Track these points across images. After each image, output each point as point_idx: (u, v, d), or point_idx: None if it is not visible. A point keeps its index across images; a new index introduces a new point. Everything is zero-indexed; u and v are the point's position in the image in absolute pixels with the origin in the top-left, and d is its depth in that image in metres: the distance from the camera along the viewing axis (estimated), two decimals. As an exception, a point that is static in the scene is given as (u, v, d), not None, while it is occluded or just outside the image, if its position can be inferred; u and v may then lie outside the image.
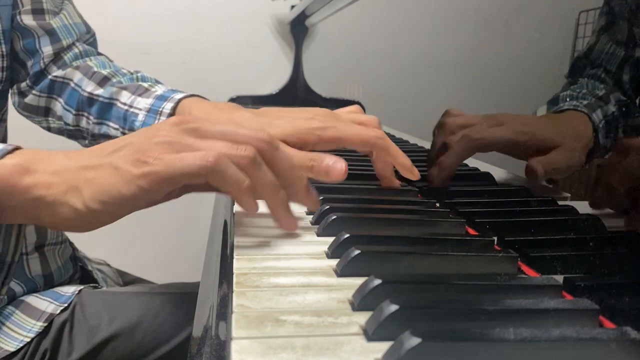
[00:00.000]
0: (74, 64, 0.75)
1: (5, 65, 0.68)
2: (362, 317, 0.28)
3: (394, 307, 0.26)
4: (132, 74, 0.74)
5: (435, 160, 0.57)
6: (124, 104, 0.68)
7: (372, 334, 0.26)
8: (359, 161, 0.73)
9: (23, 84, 0.74)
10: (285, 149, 0.43)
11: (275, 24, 1.66)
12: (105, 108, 0.69)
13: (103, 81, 0.71)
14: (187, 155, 0.37)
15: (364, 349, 0.25)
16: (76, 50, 0.77)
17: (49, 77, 0.74)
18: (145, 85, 0.70)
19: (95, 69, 0.73)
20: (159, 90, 0.68)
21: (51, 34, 0.73)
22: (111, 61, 0.80)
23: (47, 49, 0.73)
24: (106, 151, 0.39)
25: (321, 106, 0.60)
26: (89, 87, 0.72)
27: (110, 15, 1.56)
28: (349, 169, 0.47)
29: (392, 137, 1.01)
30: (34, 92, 0.74)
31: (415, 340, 0.23)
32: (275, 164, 0.41)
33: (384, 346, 0.25)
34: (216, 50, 1.63)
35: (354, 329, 0.27)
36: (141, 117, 0.65)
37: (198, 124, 0.40)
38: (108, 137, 0.68)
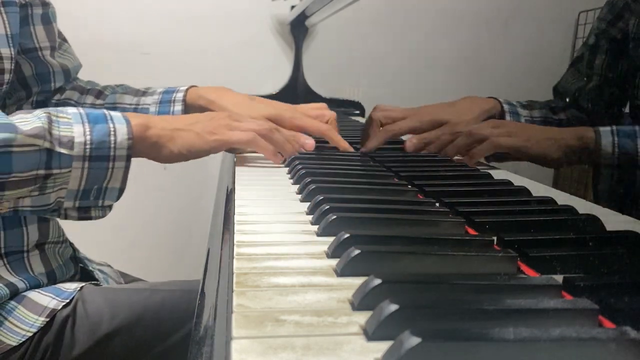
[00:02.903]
0: (68, 87, 0.86)
1: (12, 67, 0.70)
2: (362, 317, 0.28)
3: (393, 307, 0.26)
4: (119, 86, 0.87)
5: (364, 138, 0.83)
6: (130, 104, 0.81)
7: (372, 333, 0.26)
8: (359, 161, 0.73)
9: (26, 106, 0.82)
10: (280, 130, 0.71)
11: (275, 24, 1.65)
12: None
13: (99, 94, 0.85)
14: (240, 132, 0.66)
15: (364, 349, 0.25)
16: (72, 79, 0.89)
17: (52, 102, 0.84)
18: (142, 89, 0.83)
19: (89, 87, 0.86)
20: (158, 89, 0.82)
21: (67, 73, 0.85)
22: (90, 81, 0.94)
23: (59, 84, 0.84)
24: (188, 122, 0.65)
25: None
26: (88, 100, 0.84)
27: (110, 15, 1.56)
28: (349, 169, 0.65)
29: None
30: None
31: (415, 340, 0.23)
32: (282, 133, 0.71)
33: (384, 346, 0.25)
34: (216, 51, 1.63)
35: (353, 328, 0.27)
36: (153, 108, 0.80)
37: (239, 117, 0.69)
38: None
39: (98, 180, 0.56)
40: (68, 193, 0.56)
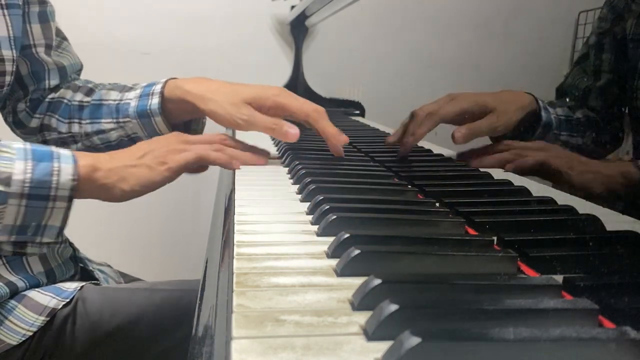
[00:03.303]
0: (64, 86, 0.85)
1: (13, 69, 0.71)
2: (362, 317, 0.28)
3: (393, 307, 0.26)
4: (112, 85, 0.85)
5: (403, 134, 0.76)
6: (114, 100, 0.79)
7: (372, 333, 0.26)
8: (359, 161, 0.73)
9: (20, 105, 0.82)
10: (258, 120, 0.68)
11: (275, 24, 1.65)
12: (96, 109, 0.79)
13: (89, 91, 0.83)
14: (186, 153, 0.63)
15: (363, 349, 0.25)
16: (69, 79, 0.88)
17: (46, 100, 0.83)
18: (129, 85, 0.82)
19: (80, 84, 0.85)
20: (142, 84, 0.81)
21: (62, 70, 0.84)
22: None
23: (54, 82, 0.83)
24: (136, 155, 0.62)
25: (321, 106, 0.72)
26: (78, 97, 0.83)
27: (110, 15, 1.56)
28: (349, 169, 0.64)
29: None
30: (35, 116, 0.82)
31: (415, 340, 0.23)
32: (237, 145, 0.69)
33: (383, 346, 0.25)
34: (216, 50, 1.63)
35: (353, 328, 0.27)
36: (134, 102, 0.77)
37: (186, 137, 0.67)
38: (101, 132, 0.79)
39: (35, 218, 0.55)
40: (3, 228, 0.55)
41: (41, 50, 0.80)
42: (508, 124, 0.73)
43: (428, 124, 0.74)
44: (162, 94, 0.76)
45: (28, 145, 0.56)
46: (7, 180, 0.53)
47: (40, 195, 0.55)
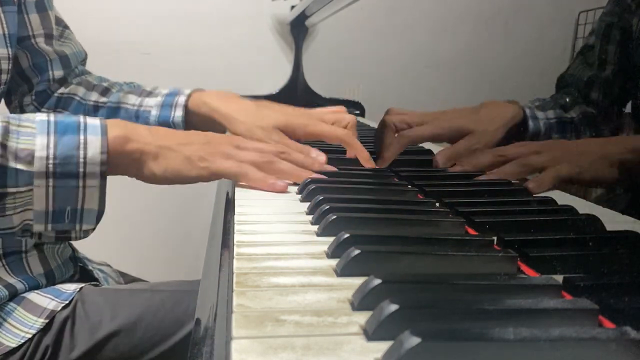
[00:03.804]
0: (74, 81, 0.83)
1: (9, 67, 0.70)
2: (362, 317, 0.28)
3: (393, 307, 0.26)
4: (128, 84, 0.84)
5: (380, 151, 0.73)
6: (134, 104, 0.78)
7: (372, 333, 0.26)
8: (359, 162, 0.73)
9: (26, 98, 0.80)
10: (289, 146, 0.63)
11: (275, 24, 1.65)
12: (113, 112, 0.78)
13: (105, 91, 0.80)
14: (232, 164, 0.57)
15: (363, 349, 0.25)
16: (77, 70, 0.86)
17: (55, 95, 0.81)
18: (148, 89, 0.79)
19: (95, 83, 0.83)
20: (163, 90, 0.78)
21: (64, 60, 0.82)
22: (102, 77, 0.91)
23: (58, 73, 0.81)
24: (177, 141, 0.56)
25: (321, 106, 0.74)
26: (93, 97, 0.80)
27: (111, 15, 1.56)
28: (349, 169, 0.65)
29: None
30: (42, 110, 0.81)
31: (415, 340, 0.23)
32: (290, 161, 0.60)
33: (383, 346, 0.25)
34: (216, 51, 1.63)
35: (353, 328, 0.27)
36: (155, 111, 0.76)
37: (240, 142, 0.60)
38: None
39: (69, 201, 0.50)
40: (35, 215, 0.50)
41: (41, 41, 0.78)
42: (489, 143, 0.71)
43: (395, 147, 0.71)
44: (185, 107, 0.74)
45: (52, 117, 0.51)
46: (28, 158, 0.47)
47: (67, 173, 0.49)
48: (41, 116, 0.51)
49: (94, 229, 0.54)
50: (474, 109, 0.77)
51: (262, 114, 0.69)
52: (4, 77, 0.70)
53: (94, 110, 0.79)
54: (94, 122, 0.52)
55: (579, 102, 0.86)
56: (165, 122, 0.74)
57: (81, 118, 0.52)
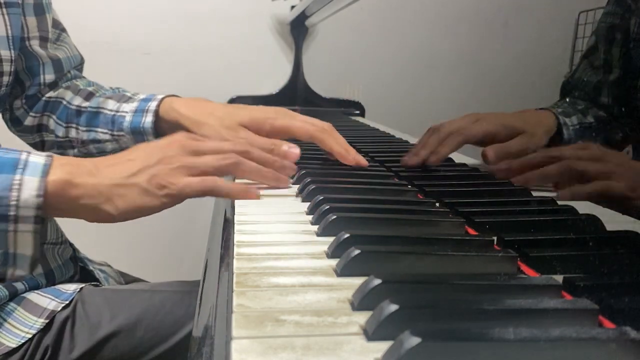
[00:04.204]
0: (64, 85, 0.83)
1: (11, 70, 0.70)
2: (362, 317, 0.28)
3: (393, 307, 0.26)
4: (113, 89, 0.83)
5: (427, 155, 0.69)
6: (111, 110, 0.76)
7: (372, 333, 0.26)
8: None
9: (17, 102, 0.80)
10: (256, 142, 0.60)
11: (275, 24, 1.66)
12: (93, 117, 0.77)
13: (89, 96, 0.79)
14: (195, 182, 0.51)
15: (363, 349, 0.25)
16: (69, 75, 0.85)
17: (43, 98, 0.80)
18: (128, 94, 0.78)
19: (81, 87, 0.82)
20: (141, 95, 0.77)
21: (56, 63, 0.80)
22: (92, 81, 0.89)
23: (50, 77, 0.80)
24: (127, 173, 0.51)
25: (321, 106, 0.68)
26: (77, 101, 0.79)
27: (111, 15, 1.56)
28: (349, 169, 0.63)
29: (391, 137, 1.01)
30: (30, 114, 0.80)
31: (415, 340, 0.23)
32: (254, 160, 0.56)
33: (383, 346, 0.25)
34: (216, 51, 1.63)
35: (353, 328, 0.27)
36: (128, 117, 0.74)
37: (195, 146, 0.54)
38: (96, 141, 0.77)
39: None
40: None
41: (35, 43, 0.77)
42: (538, 146, 0.69)
43: (452, 143, 0.68)
44: (156, 112, 0.72)
45: None
46: None
47: None
48: None
49: (29, 274, 0.51)
50: (519, 113, 0.75)
51: (227, 113, 0.67)
52: (6, 79, 0.70)
53: (76, 114, 0.78)
54: (37, 160, 0.48)
55: (590, 106, 0.85)
56: (136, 128, 0.72)
57: (23, 155, 0.48)
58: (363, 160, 0.65)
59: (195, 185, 0.51)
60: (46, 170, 0.48)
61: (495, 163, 0.66)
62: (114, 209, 0.50)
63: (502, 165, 0.64)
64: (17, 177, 0.46)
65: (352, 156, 0.64)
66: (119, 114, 0.75)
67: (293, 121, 0.65)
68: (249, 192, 0.53)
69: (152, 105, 0.73)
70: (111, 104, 0.77)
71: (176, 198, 0.51)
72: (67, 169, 0.49)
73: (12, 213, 0.46)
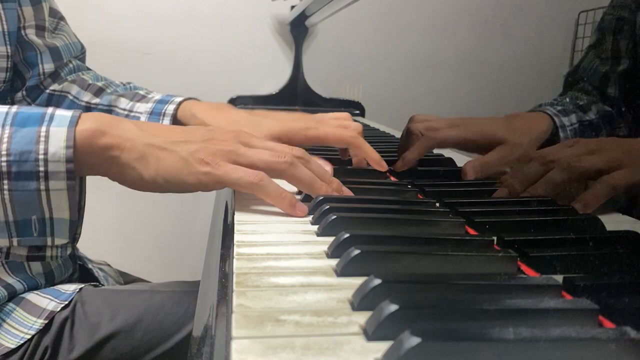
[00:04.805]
0: (69, 78, 0.80)
1: (8, 66, 0.70)
2: (362, 317, 0.28)
3: (393, 307, 0.26)
4: (124, 84, 0.80)
5: (401, 154, 0.67)
6: (124, 109, 0.73)
7: (371, 333, 0.26)
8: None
9: (18, 95, 0.78)
10: (310, 159, 0.51)
11: (275, 24, 1.65)
12: None
13: (99, 92, 0.77)
14: (244, 171, 0.45)
15: (363, 349, 0.25)
16: (71, 65, 0.82)
17: (47, 91, 0.78)
18: (142, 92, 0.75)
19: (90, 82, 0.79)
20: (157, 95, 0.74)
21: (54, 52, 0.78)
22: (99, 74, 0.87)
23: (49, 66, 0.78)
24: (171, 139, 0.46)
25: (321, 106, 0.68)
26: (86, 97, 0.77)
27: (111, 15, 1.56)
28: (349, 169, 0.64)
29: (391, 137, 1.01)
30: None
31: (415, 340, 0.23)
32: (311, 169, 0.50)
33: (383, 346, 0.25)
34: (216, 51, 1.63)
35: (353, 328, 0.27)
36: (143, 118, 0.71)
37: (248, 138, 0.49)
38: None
39: (31, 208, 0.41)
40: None
41: (31, 32, 0.75)
42: (522, 157, 0.64)
43: (419, 149, 0.66)
44: (174, 117, 0.69)
45: (14, 109, 0.43)
46: None
47: (25, 173, 0.40)
48: (2, 108, 0.43)
49: (72, 244, 0.45)
50: (505, 118, 0.70)
51: (255, 124, 0.62)
52: (4, 75, 0.70)
53: (85, 111, 0.77)
54: (64, 113, 0.44)
55: (595, 100, 0.83)
56: None
57: (50, 109, 0.44)
58: (385, 165, 0.63)
59: (242, 174, 0.45)
60: (74, 120, 0.43)
61: (475, 178, 0.63)
62: (146, 170, 0.44)
63: (502, 192, 0.59)
64: (43, 128, 0.42)
65: (384, 163, 0.62)
66: (132, 114, 0.72)
67: (327, 130, 0.61)
68: (297, 206, 0.47)
69: (170, 108, 0.69)
70: (124, 103, 0.74)
71: (217, 181, 0.45)
72: (98, 118, 0.45)
73: (41, 169, 0.41)
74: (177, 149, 0.45)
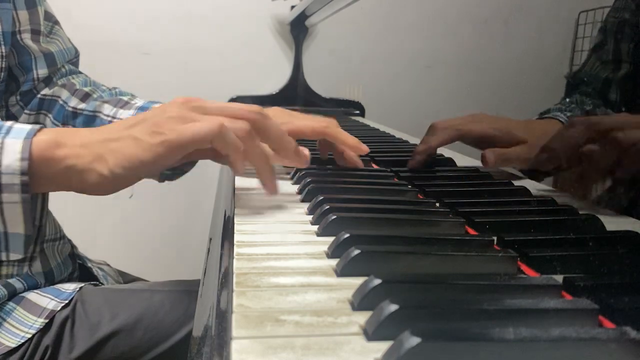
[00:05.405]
0: (60, 82, 0.80)
1: (3, 66, 0.70)
2: (362, 317, 0.28)
3: (393, 307, 0.26)
4: (110, 90, 0.80)
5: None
6: (107, 115, 0.74)
7: (372, 333, 0.26)
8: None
9: (12, 98, 0.78)
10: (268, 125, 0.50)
11: (275, 24, 1.66)
12: (90, 120, 0.75)
13: (85, 97, 0.77)
14: (196, 124, 0.44)
15: (363, 349, 0.25)
16: (63, 70, 0.82)
17: (38, 95, 0.78)
18: (125, 98, 0.75)
19: (78, 87, 0.79)
20: (139, 102, 0.74)
21: (49, 57, 0.78)
22: (89, 78, 0.87)
23: (43, 72, 0.78)
24: (124, 125, 0.45)
25: (321, 106, 0.67)
26: (73, 102, 0.77)
27: (111, 16, 1.56)
28: (349, 169, 0.63)
29: (391, 137, 1.01)
30: (25, 111, 0.78)
31: (415, 340, 0.23)
32: (268, 132, 0.49)
33: (383, 346, 0.25)
34: (216, 51, 1.63)
35: (353, 328, 0.27)
36: None
37: (201, 102, 0.47)
38: None
39: None
40: None
41: (26, 37, 0.75)
42: (538, 160, 0.63)
43: (443, 135, 0.67)
44: None
45: None
46: None
47: None
48: None
49: (29, 262, 0.45)
50: (523, 122, 0.72)
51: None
52: None
53: (72, 116, 0.76)
54: (22, 126, 0.43)
55: (599, 104, 0.83)
56: None
57: (9, 123, 0.43)
58: (365, 147, 0.62)
59: (198, 126, 0.43)
60: (32, 133, 0.42)
61: (494, 166, 0.66)
62: (104, 167, 0.43)
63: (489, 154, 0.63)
64: None
65: (364, 146, 0.61)
66: (115, 120, 0.73)
67: (301, 122, 0.61)
68: (242, 168, 0.46)
69: None
70: (107, 109, 0.74)
71: (173, 146, 0.43)
72: (54, 131, 0.44)
73: None
74: (130, 132, 0.44)
